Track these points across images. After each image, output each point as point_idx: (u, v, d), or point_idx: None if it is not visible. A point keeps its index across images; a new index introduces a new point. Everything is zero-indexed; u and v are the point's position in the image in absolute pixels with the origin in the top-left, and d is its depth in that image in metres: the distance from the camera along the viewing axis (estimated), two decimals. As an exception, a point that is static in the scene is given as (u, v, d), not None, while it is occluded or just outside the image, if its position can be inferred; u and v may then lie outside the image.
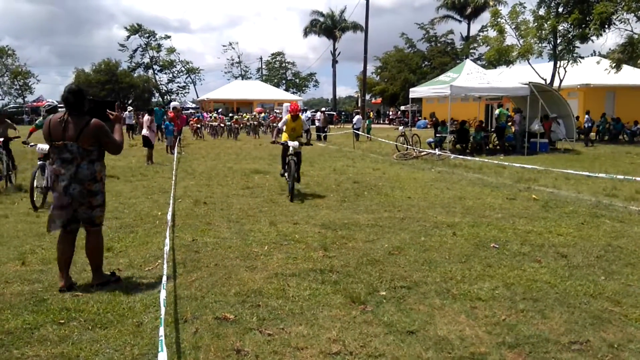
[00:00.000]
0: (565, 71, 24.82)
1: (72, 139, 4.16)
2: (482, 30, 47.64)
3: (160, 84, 68.18)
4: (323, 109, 36.28)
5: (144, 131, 14.48)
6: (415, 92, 20.18)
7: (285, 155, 9.16)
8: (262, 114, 34.76)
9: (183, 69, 67.97)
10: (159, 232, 6.18)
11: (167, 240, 4.71)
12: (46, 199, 7.66)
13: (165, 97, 66.41)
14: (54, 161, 4.27)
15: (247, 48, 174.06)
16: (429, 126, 30.76)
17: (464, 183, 10.55)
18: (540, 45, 24.99)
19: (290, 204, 8.15)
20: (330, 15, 61.12)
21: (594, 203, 8.26)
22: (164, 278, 3.67)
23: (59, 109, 6.35)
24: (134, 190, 9.49)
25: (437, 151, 15.51)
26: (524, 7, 24.69)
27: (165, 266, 4.00)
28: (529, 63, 25.28)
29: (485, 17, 46.72)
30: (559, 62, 24.98)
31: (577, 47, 24.33)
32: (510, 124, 19.21)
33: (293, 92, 63.00)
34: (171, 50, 65.97)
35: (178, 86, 68.99)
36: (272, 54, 72.80)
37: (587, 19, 22.33)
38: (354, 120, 26.66)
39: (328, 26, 60.78)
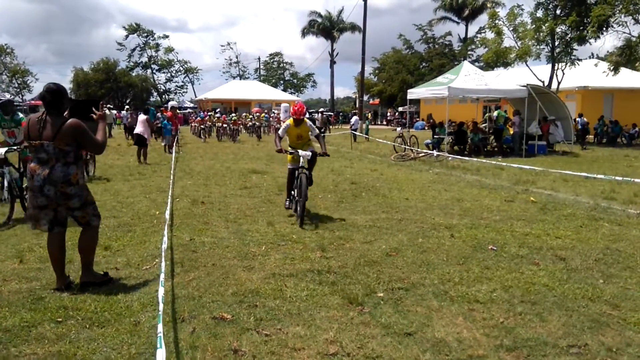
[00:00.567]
0: (563, 73, 24.90)
1: (49, 138, 4.08)
2: (479, 32, 47.93)
3: (159, 84, 68.29)
4: (321, 109, 36.10)
5: (139, 129, 14.34)
6: (413, 93, 20.20)
7: (293, 175, 7.20)
8: (263, 115, 32.99)
9: (181, 68, 68.22)
10: (156, 232, 6.16)
11: (165, 239, 4.70)
12: (13, 211, 6.73)
13: (164, 96, 66.41)
14: (32, 160, 4.23)
15: (245, 48, 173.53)
16: (426, 127, 30.83)
17: (461, 185, 10.56)
18: (538, 47, 25.06)
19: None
20: (328, 16, 61.08)
21: (592, 206, 8.27)
22: (162, 276, 3.67)
23: (15, 105, 6.01)
24: (131, 189, 9.48)
25: (434, 152, 15.52)
26: (522, 9, 24.77)
27: (163, 264, 4.00)
28: (527, 65, 25.34)
29: (483, 19, 47.10)
30: (557, 64, 25.05)
31: (575, 49, 24.43)
32: (509, 126, 19.24)
33: (291, 93, 63.07)
34: (169, 50, 66.14)
35: (176, 86, 69.24)
36: (270, 54, 73.56)
37: (585, 21, 22.41)
38: (352, 121, 26.70)
39: (326, 27, 60.72)
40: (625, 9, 21.12)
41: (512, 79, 22.76)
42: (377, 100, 58.18)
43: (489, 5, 40.59)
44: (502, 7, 40.70)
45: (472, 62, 32.19)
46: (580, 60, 25.17)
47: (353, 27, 58.41)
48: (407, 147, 18.03)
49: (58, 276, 4.29)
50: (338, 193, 9.27)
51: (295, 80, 72.43)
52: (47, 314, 3.73)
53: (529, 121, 17.96)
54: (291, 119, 7.40)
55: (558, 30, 23.90)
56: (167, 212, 6.31)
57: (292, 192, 7.20)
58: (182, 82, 69.16)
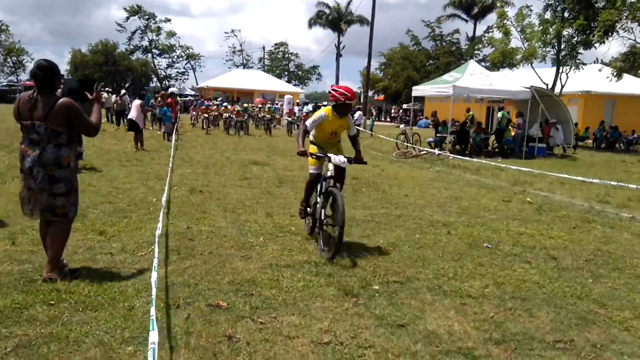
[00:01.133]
0: (567, 77, 24.86)
1: (40, 118, 3.88)
2: (487, 32, 47.70)
3: (159, 69, 66.16)
4: (325, 103, 35.82)
5: (132, 114, 14.20)
6: (417, 90, 20.19)
7: (316, 183, 5.45)
8: (269, 105, 29.14)
9: (183, 54, 65.92)
10: (153, 219, 6.11)
11: (160, 225, 4.69)
12: None
13: (164, 82, 64.24)
14: (23, 141, 4.06)
15: (249, 36, 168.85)
16: (430, 126, 30.77)
17: (461, 183, 10.60)
18: (544, 49, 25.02)
19: (287, 197, 8.11)
20: (337, 7, 59.68)
21: (586, 208, 8.32)
22: (155, 261, 3.68)
23: None
24: (128, 175, 9.42)
25: (436, 151, 15.54)
26: (531, 10, 24.72)
27: (156, 249, 4.00)
28: (532, 67, 25.31)
29: (492, 18, 46.72)
30: (561, 67, 25.02)
31: (580, 53, 24.39)
32: (511, 127, 19.25)
33: (295, 84, 61.84)
34: (171, 34, 63.54)
35: (177, 72, 67.04)
36: (275, 44, 71.29)
37: (592, 25, 22.35)
38: (355, 116, 26.54)
39: (334, 18, 59.30)
40: (632, 15, 21.09)
41: (517, 81, 22.72)
42: (381, 97, 57.86)
43: (498, 4, 40.48)
44: (512, 6, 40.65)
45: (479, 62, 32.12)
46: (584, 64, 25.13)
47: (361, 20, 56.84)
48: (409, 144, 18.04)
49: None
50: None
51: (300, 72, 70.95)
52: (39, 297, 3.69)
53: (531, 123, 17.97)
54: (329, 107, 5.41)
55: (565, 33, 23.86)
56: (164, 199, 6.31)
57: (312, 207, 5.58)
58: (184, 68, 67.00)
